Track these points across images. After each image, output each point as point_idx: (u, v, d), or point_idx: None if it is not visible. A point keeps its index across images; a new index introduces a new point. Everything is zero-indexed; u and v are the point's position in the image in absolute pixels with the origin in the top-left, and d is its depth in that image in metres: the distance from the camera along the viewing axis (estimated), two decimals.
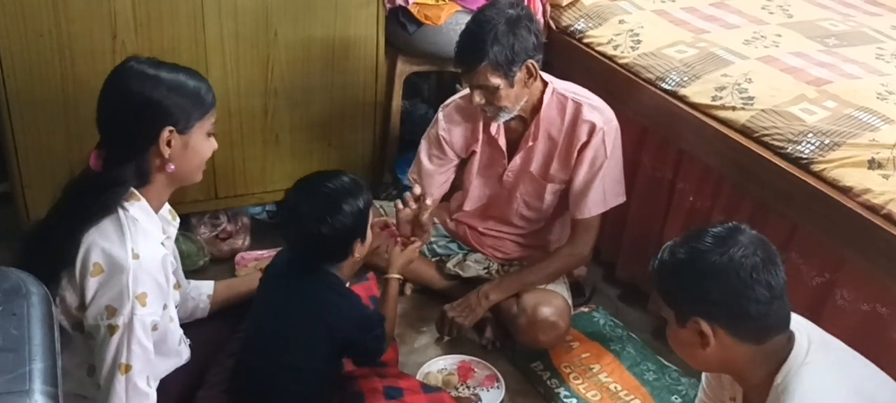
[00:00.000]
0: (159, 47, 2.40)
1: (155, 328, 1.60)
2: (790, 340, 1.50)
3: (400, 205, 2.17)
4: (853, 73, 2.40)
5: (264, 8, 2.51)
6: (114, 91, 1.63)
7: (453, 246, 2.64)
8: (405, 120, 3.09)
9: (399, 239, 2.16)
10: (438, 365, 2.33)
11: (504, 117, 2.26)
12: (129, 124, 1.60)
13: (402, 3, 2.67)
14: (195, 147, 1.66)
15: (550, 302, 2.31)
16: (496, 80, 2.12)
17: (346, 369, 2.07)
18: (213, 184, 2.67)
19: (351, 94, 2.78)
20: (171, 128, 1.60)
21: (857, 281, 1.93)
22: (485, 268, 2.53)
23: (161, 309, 1.62)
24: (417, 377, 2.24)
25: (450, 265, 2.55)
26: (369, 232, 1.92)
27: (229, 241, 2.73)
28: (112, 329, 1.54)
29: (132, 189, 1.61)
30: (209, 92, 1.68)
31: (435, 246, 2.64)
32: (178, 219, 1.82)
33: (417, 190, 2.20)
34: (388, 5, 2.69)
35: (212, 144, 1.73)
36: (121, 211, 1.58)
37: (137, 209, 1.61)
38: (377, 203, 2.73)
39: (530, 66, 2.15)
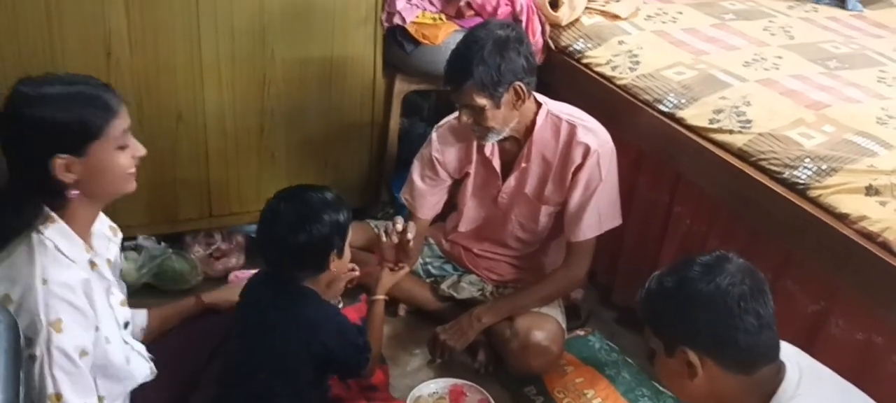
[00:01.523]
0: (154, 65, 2.41)
1: (84, 352, 1.51)
2: (780, 371, 1.47)
3: (383, 237, 2.17)
4: (853, 97, 2.37)
5: (261, 27, 2.50)
6: (3, 117, 1.49)
7: (448, 267, 2.62)
8: (404, 138, 3.07)
9: (385, 263, 2.17)
10: (429, 389, 2.30)
11: (493, 138, 2.24)
12: (21, 150, 1.49)
13: (400, 23, 2.65)
14: (104, 165, 1.52)
15: (543, 327, 2.29)
16: (482, 100, 2.10)
17: (334, 393, 2.05)
18: (208, 202, 2.67)
19: (347, 113, 2.77)
20: (61, 155, 1.47)
21: (852, 310, 1.90)
22: (479, 290, 2.50)
23: (89, 333, 1.53)
24: (408, 401, 2.22)
25: (444, 286, 2.53)
26: (347, 249, 1.92)
27: (223, 260, 2.72)
28: (32, 358, 1.45)
29: (48, 210, 1.52)
30: (107, 102, 1.52)
31: (430, 267, 2.62)
32: (120, 234, 1.76)
33: (400, 224, 2.18)
34: (386, 25, 2.68)
35: (133, 152, 1.59)
36: (34, 235, 1.49)
37: (53, 231, 1.51)
38: (373, 222, 2.72)
39: (518, 88, 2.13)
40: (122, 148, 1.55)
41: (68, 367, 1.48)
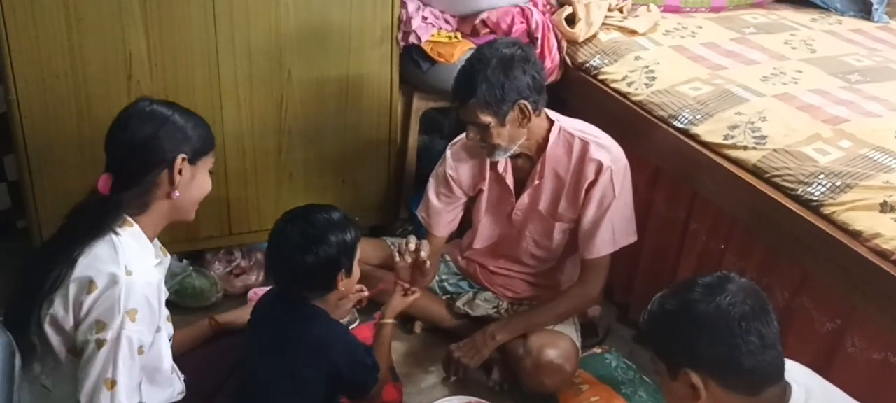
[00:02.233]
0: (174, 87, 2.45)
1: (142, 350, 1.61)
2: (786, 391, 1.45)
3: (396, 258, 2.19)
4: (873, 111, 2.33)
5: (277, 48, 2.54)
6: (132, 116, 1.71)
7: (464, 284, 2.63)
8: (423, 156, 3.08)
9: (400, 283, 2.18)
10: None
11: (500, 155, 2.25)
12: (143, 149, 1.67)
13: (415, 42, 2.67)
14: (199, 180, 1.76)
15: (556, 345, 2.28)
16: (486, 118, 2.11)
17: None
18: (228, 221, 2.70)
19: (365, 132, 2.79)
20: (184, 155, 1.69)
21: (868, 329, 1.86)
22: (494, 307, 2.50)
23: (151, 332, 1.65)
24: None
25: (459, 303, 2.53)
26: (356, 267, 1.93)
27: (243, 277, 2.75)
28: (100, 343, 1.56)
29: (126, 216, 1.66)
30: (212, 134, 1.80)
31: (445, 283, 2.63)
32: (168, 256, 1.85)
33: (412, 244, 2.19)
34: (402, 43, 2.70)
35: (209, 182, 1.80)
36: (112, 236, 1.62)
37: (129, 235, 1.65)
38: (390, 239, 2.73)
39: (523, 106, 2.13)
40: (210, 173, 1.81)
41: (129, 359, 1.58)
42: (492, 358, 2.41)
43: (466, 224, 2.59)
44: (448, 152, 2.44)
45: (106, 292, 1.57)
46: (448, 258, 2.66)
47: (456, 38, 2.74)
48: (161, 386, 1.76)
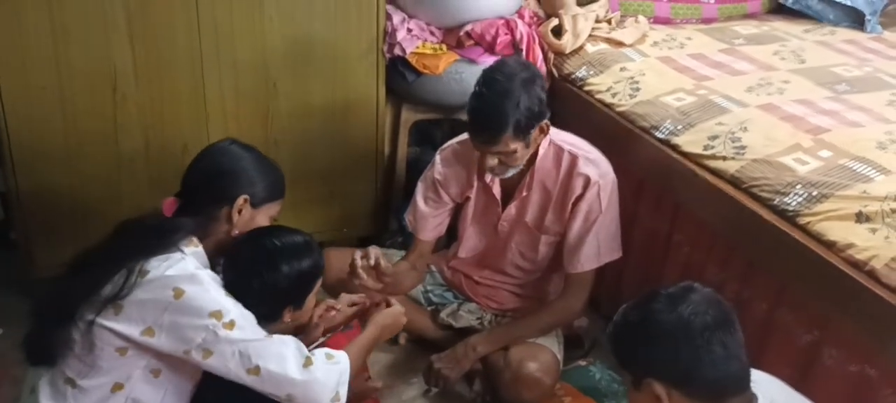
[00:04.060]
0: (160, 100, 2.48)
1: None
2: (751, 402, 1.44)
3: (357, 279, 2.16)
4: (856, 121, 2.31)
5: (263, 61, 2.56)
6: (211, 151, 1.88)
7: (448, 294, 2.62)
8: (413, 167, 3.09)
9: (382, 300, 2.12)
10: None
11: (511, 173, 2.24)
12: (211, 183, 1.81)
13: (400, 54, 2.69)
14: (258, 223, 1.86)
15: (536, 357, 2.26)
16: (515, 145, 2.09)
17: None
18: None
19: (352, 143, 2.81)
20: (246, 197, 1.80)
21: (844, 340, 1.84)
22: (478, 319, 2.49)
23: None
24: None
25: (443, 315, 2.53)
26: (311, 299, 1.88)
27: None
28: (229, 325, 1.63)
29: (192, 237, 1.76)
30: (284, 185, 1.93)
31: (430, 294, 2.62)
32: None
33: (360, 261, 2.16)
34: (388, 55, 2.71)
35: None
36: (179, 252, 1.70)
37: (192, 254, 1.73)
38: (382, 250, 2.72)
39: (544, 126, 2.14)
40: (273, 221, 1.91)
41: (252, 333, 1.68)
42: (473, 370, 2.40)
43: (454, 235, 2.59)
44: (438, 157, 2.44)
45: (200, 288, 1.63)
46: (434, 268, 2.66)
47: (441, 49, 2.75)
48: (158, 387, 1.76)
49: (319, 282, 1.89)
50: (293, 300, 1.83)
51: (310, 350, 1.74)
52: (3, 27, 2.24)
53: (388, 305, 2.07)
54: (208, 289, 1.65)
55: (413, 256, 2.45)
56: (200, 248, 1.76)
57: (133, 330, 1.63)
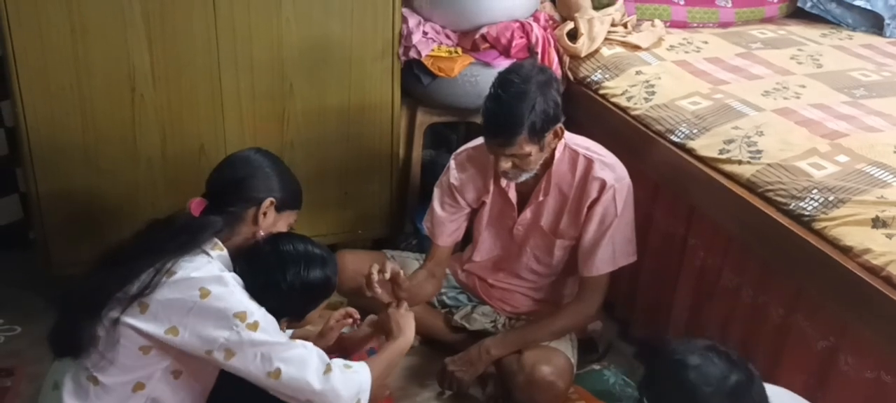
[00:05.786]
0: (177, 101, 2.50)
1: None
2: None
3: (369, 292, 2.15)
4: (874, 126, 2.30)
5: (280, 62, 2.57)
6: (238, 156, 1.94)
7: (462, 297, 2.62)
8: (429, 170, 3.09)
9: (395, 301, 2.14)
10: None
11: (525, 177, 2.24)
12: (239, 184, 1.85)
13: (415, 56, 2.69)
14: (280, 227, 1.92)
15: (550, 361, 2.26)
16: (530, 147, 2.09)
17: None
18: None
19: (367, 145, 2.81)
20: (272, 199, 1.85)
21: (860, 347, 1.82)
22: (491, 322, 2.49)
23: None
24: None
25: (457, 317, 2.53)
26: (315, 313, 1.91)
27: None
28: (253, 326, 1.66)
29: (217, 241, 1.79)
30: (302, 198, 2.01)
31: (444, 297, 2.62)
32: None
33: (376, 275, 2.15)
34: (403, 58, 2.72)
35: None
36: (204, 254, 1.74)
37: (218, 257, 1.77)
38: (396, 252, 2.74)
39: (558, 130, 2.14)
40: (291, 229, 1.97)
41: (275, 336, 1.71)
42: (487, 373, 2.40)
43: (468, 238, 2.59)
44: (452, 162, 2.44)
45: (225, 291, 1.66)
46: (448, 271, 2.66)
47: (456, 52, 2.76)
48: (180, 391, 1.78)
49: (325, 302, 1.92)
50: (290, 311, 1.86)
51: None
52: (23, 28, 2.26)
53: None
54: (233, 291, 1.68)
55: (431, 263, 2.45)
56: (225, 252, 1.79)
57: (158, 329, 1.65)
